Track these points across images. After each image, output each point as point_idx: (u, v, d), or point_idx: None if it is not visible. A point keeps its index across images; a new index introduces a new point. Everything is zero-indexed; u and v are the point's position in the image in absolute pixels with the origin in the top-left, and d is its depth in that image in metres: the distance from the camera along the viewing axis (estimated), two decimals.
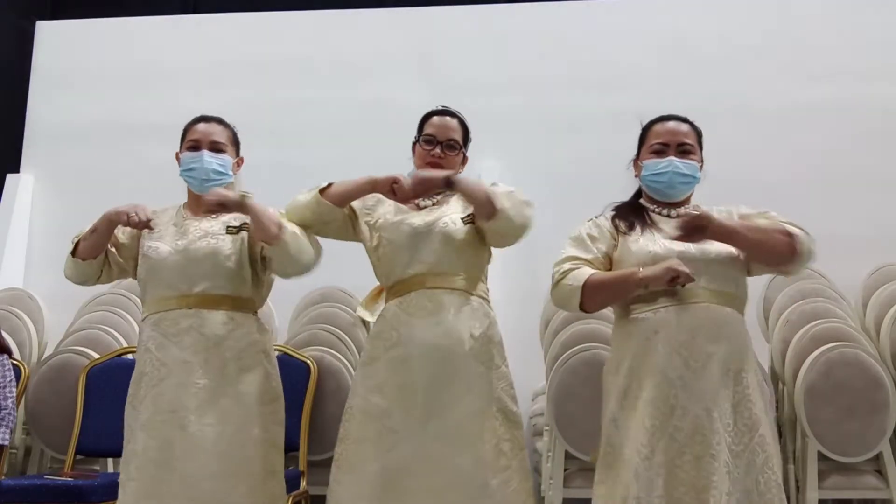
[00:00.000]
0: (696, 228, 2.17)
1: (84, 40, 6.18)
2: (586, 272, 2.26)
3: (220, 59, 5.96)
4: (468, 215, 2.44)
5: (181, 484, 2.32)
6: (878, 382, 3.18)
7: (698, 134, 2.41)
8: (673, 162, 2.32)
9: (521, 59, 5.77)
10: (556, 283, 2.31)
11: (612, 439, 2.24)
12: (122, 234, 2.59)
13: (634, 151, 2.47)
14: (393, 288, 2.46)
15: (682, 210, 2.36)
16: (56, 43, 6.21)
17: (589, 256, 2.32)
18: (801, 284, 4.26)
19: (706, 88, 5.38)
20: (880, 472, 3.22)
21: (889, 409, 3.17)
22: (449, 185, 2.39)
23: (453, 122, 2.56)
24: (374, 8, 6.10)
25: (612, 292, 2.28)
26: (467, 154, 2.61)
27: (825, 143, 5.32)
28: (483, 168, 4.54)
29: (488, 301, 2.49)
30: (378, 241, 2.48)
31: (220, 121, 2.63)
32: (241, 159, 2.67)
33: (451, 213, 2.45)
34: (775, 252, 2.23)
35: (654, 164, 2.35)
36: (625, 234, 2.34)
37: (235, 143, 2.65)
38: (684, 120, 2.41)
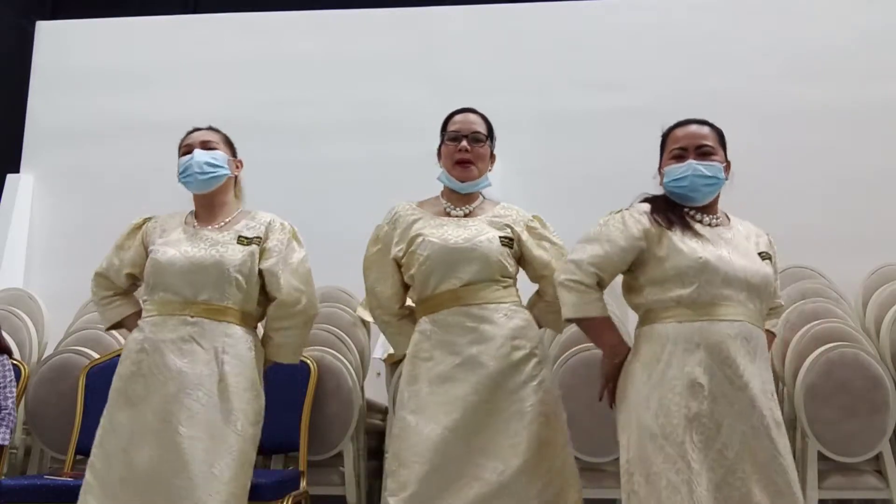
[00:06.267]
0: None
1: (84, 40, 6.18)
2: (594, 306, 2.25)
3: (220, 59, 5.96)
4: (505, 237, 2.46)
5: (149, 483, 2.31)
6: (878, 382, 3.18)
7: (720, 135, 2.37)
8: (692, 165, 2.28)
9: (521, 59, 5.76)
10: (566, 287, 2.26)
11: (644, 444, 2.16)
12: (125, 259, 2.60)
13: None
14: (426, 303, 2.44)
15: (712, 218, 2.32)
16: (56, 43, 6.21)
17: (611, 260, 2.27)
18: (801, 284, 4.26)
19: (706, 88, 5.38)
20: (880, 472, 3.22)
21: (889, 409, 3.17)
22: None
23: (475, 117, 2.57)
24: (374, 8, 6.10)
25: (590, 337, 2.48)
26: (494, 152, 2.60)
27: (825, 143, 5.32)
28: None
29: (519, 300, 2.48)
30: (411, 256, 2.45)
31: (210, 127, 2.66)
32: (241, 162, 2.68)
33: (488, 232, 2.45)
34: None
35: (674, 170, 2.30)
36: (668, 228, 2.25)
37: (229, 145, 2.66)
38: (704, 122, 2.37)
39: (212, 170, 2.55)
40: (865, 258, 4.63)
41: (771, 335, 2.41)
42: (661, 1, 5.85)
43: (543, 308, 2.53)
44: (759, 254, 2.30)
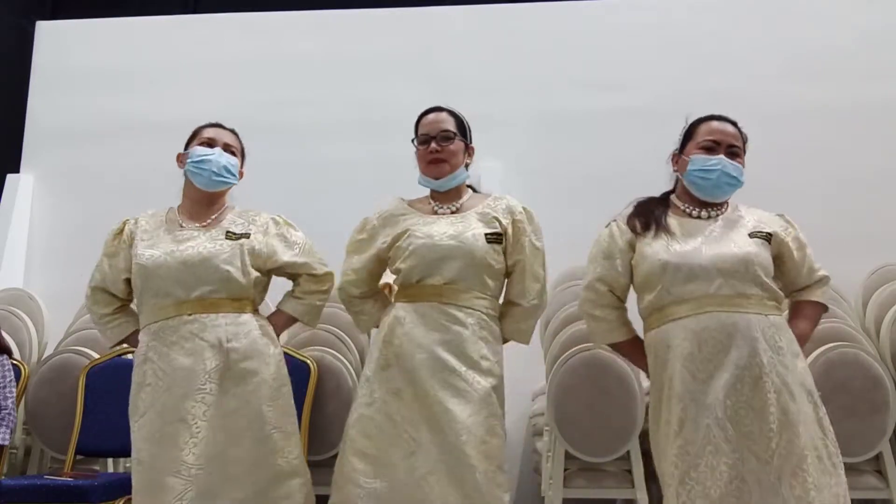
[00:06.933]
0: None
1: (84, 40, 6.18)
2: (618, 332, 2.38)
3: (220, 59, 5.96)
4: (492, 233, 2.46)
5: (196, 488, 2.30)
6: (878, 382, 3.19)
7: (744, 140, 2.41)
8: (723, 161, 2.31)
9: (521, 59, 5.76)
10: (589, 317, 2.41)
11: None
12: (119, 265, 2.57)
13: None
14: (407, 291, 2.47)
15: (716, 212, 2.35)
16: (56, 43, 6.21)
17: (612, 274, 2.36)
18: None
19: (706, 88, 5.37)
20: (880, 472, 3.22)
21: (889, 409, 3.17)
22: None
23: (443, 115, 2.57)
24: (374, 8, 6.10)
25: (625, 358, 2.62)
26: (471, 144, 2.60)
27: (825, 143, 5.32)
28: (484, 168, 4.54)
29: (495, 318, 2.49)
30: (396, 250, 2.48)
31: (233, 131, 2.68)
32: (243, 173, 2.69)
33: (475, 229, 2.45)
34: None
35: (704, 160, 2.32)
36: (641, 235, 2.32)
37: (242, 155, 2.69)
38: (733, 122, 2.42)
39: (227, 176, 2.58)
40: (865, 258, 4.63)
41: (812, 306, 2.45)
42: (661, 1, 5.85)
43: (516, 313, 2.53)
44: (751, 234, 2.28)
